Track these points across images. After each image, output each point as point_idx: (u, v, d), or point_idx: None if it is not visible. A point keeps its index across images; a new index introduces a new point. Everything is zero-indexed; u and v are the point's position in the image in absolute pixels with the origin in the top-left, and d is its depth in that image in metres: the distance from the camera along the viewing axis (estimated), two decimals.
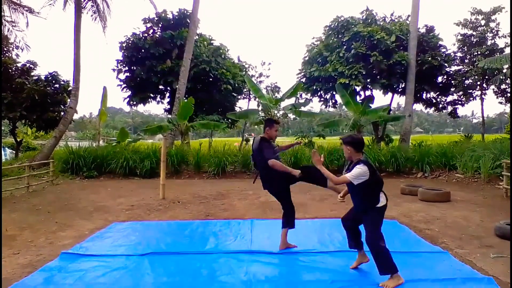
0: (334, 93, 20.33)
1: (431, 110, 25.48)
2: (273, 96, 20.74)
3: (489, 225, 6.32)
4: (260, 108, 21.52)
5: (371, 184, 4.02)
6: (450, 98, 23.38)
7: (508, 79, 19.56)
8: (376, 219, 4.12)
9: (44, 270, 4.52)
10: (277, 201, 5.29)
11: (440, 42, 20.94)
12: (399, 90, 21.06)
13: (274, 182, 5.09)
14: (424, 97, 22.62)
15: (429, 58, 19.54)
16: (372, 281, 4.11)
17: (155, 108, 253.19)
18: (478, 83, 23.01)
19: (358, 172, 3.95)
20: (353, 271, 4.43)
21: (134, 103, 23.33)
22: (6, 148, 26.33)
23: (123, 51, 21.77)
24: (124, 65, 22.32)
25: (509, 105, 23.04)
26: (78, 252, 5.10)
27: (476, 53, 22.16)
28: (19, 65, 18.50)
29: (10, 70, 17.97)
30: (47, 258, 4.96)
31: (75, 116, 19.34)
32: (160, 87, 22.90)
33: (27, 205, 8.80)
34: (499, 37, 22.77)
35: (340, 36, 20.25)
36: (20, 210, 8.22)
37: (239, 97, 26.05)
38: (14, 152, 21.28)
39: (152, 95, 23.49)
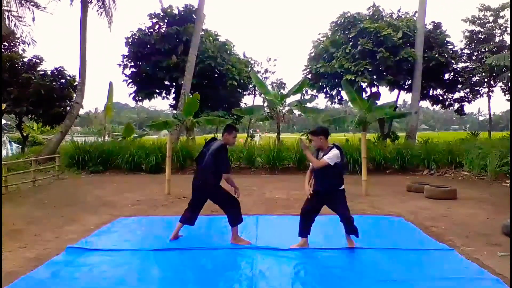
0: (340, 89, 20.29)
1: (437, 107, 25.34)
2: (279, 92, 20.65)
3: (496, 223, 6.27)
4: (265, 104, 21.49)
5: (340, 167, 4.74)
6: (457, 95, 23.28)
7: None
8: (344, 198, 4.89)
9: (51, 264, 4.53)
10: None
11: (447, 39, 20.83)
12: (406, 86, 20.96)
13: (209, 188, 5.17)
14: (430, 94, 22.50)
15: (436, 55, 19.42)
16: (379, 277, 4.09)
17: (161, 104, 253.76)
18: (486, 80, 22.83)
19: (334, 154, 4.67)
20: (361, 268, 4.42)
21: (140, 98, 23.38)
22: (12, 143, 26.51)
23: (129, 46, 21.81)
24: (129, 61, 22.37)
25: None
26: (84, 247, 5.11)
27: (483, 50, 21.95)
28: (25, 60, 18.60)
29: (16, 65, 18.07)
30: (54, 252, 4.98)
31: (81, 111, 19.44)
32: (166, 82, 22.95)
33: (33, 199, 8.85)
34: (507, 33, 22.53)
35: (346, 32, 20.17)
36: (26, 204, 8.27)
37: (244, 93, 26.05)
38: (20, 146, 21.42)
39: (157, 90, 23.54)
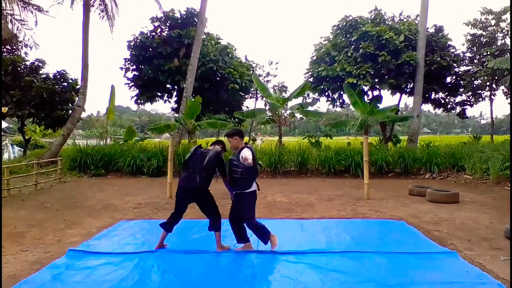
0: (341, 92, 20.27)
1: (439, 111, 25.30)
2: (281, 96, 20.67)
3: (498, 227, 6.25)
4: (267, 107, 21.51)
5: (249, 169, 4.79)
6: (458, 98, 23.20)
7: None
8: (249, 201, 4.93)
9: (52, 267, 4.54)
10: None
11: (449, 42, 20.77)
12: (407, 90, 20.93)
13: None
14: (432, 97, 22.47)
15: (438, 58, 19.39)
16: (381, 281, 4.08)
17: (162, 107, 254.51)
18: (487, 83, 22.79)
19: (248, 153, 4.80)
20: (362, 272, 4.39)
21: (142, 101, 23.40)
22: (14, 146, 26.59)
23: (131, 50, 21.85)
24: (132, 64, 22.40)
25: None
26: (86, 250, 5.12)
27: (485, 53, 21.94)
28: (28, 63, 18.69)
29: (19, 68, 18.14)
30: (55, 256, 4.98)
31: (83, 115, 19.50)
32: (168, 86, 22.96)
33: (35, 202, 8.86)
34: (509, 37, 22.53)
35: (348, 35, 20.17)
36: (28, 207, 8.28)
37: (246, 96, 26.05)
38: (22, 149, 21.46)
39: (159, 94, 23.56)
